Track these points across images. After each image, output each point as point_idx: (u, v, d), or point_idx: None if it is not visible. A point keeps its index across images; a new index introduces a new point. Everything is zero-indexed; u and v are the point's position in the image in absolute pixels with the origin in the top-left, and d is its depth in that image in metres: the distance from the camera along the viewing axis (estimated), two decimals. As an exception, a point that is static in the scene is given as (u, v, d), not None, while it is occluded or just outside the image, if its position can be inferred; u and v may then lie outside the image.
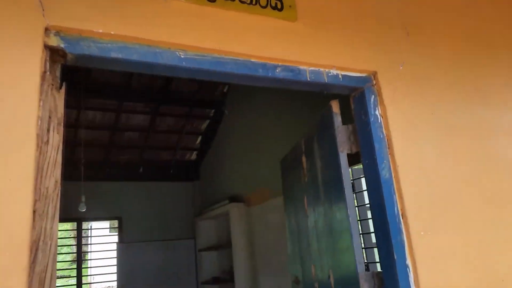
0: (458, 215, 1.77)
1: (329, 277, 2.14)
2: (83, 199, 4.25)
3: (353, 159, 1.98)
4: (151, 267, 6.65)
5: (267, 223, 4.97)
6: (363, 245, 3.71)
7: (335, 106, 1.93)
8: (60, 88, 1.30)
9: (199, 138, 7.27)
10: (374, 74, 1.85)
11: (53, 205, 1.18)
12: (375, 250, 3.13)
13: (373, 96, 1.83)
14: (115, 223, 7.04)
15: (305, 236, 2.53)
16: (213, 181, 6.90)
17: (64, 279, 8.70)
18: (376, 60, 1.86)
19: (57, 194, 1.20)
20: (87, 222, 7.50)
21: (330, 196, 2.06)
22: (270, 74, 1.60)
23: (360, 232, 3.64)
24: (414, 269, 1.62)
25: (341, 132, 1.91)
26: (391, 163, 1.75)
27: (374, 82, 1.85)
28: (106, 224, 10.63)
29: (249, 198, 5.59)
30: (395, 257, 1.63)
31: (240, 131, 6.02)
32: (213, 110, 6.79)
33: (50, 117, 1.24)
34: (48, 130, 1.22)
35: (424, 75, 1.97)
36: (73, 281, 6.75)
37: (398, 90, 1.87)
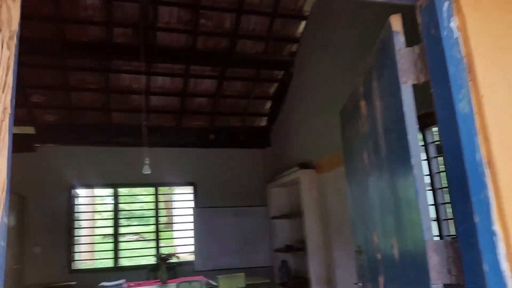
0: None
1: (392, 246, 1.71)
2: (147, 161, 4.20)
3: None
4: (226, 232, 6.70)
5: (340, 190, 4.56)
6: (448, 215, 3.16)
7: (395, 23, 1.45)
8: (18, -4, 1.04)
9: (269, 103, 6.95)
10: (450, -29, 1.33)
11: (1, 138, 0.94)
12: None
13: (446, 2, 1.31)
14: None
15: (366, 199, 2.11)
16: (284, 147, 6.60)
17: (152, 242, 9.17)
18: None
19: (6, 125, 0.95)
20: (165, 188, 7.72)
21: (391, 145, 1.61)
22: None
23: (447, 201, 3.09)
24: (506, 237, 1.13)
25: (404, 56, 1.43)
26: (472, 92, 1.25)
27: (450, -18, 1.33)
28: (189, 189, 10.98)
29: (320, 164, 5.21)
30: (477, 220, 1.15)
31: (310, 93, 5.59)
32: (282, 72, 6.39)
33: (0, 29, 0.99)
34: (-4, 46, 0.97)
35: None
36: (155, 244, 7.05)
37: (485, -7, 1.33)
